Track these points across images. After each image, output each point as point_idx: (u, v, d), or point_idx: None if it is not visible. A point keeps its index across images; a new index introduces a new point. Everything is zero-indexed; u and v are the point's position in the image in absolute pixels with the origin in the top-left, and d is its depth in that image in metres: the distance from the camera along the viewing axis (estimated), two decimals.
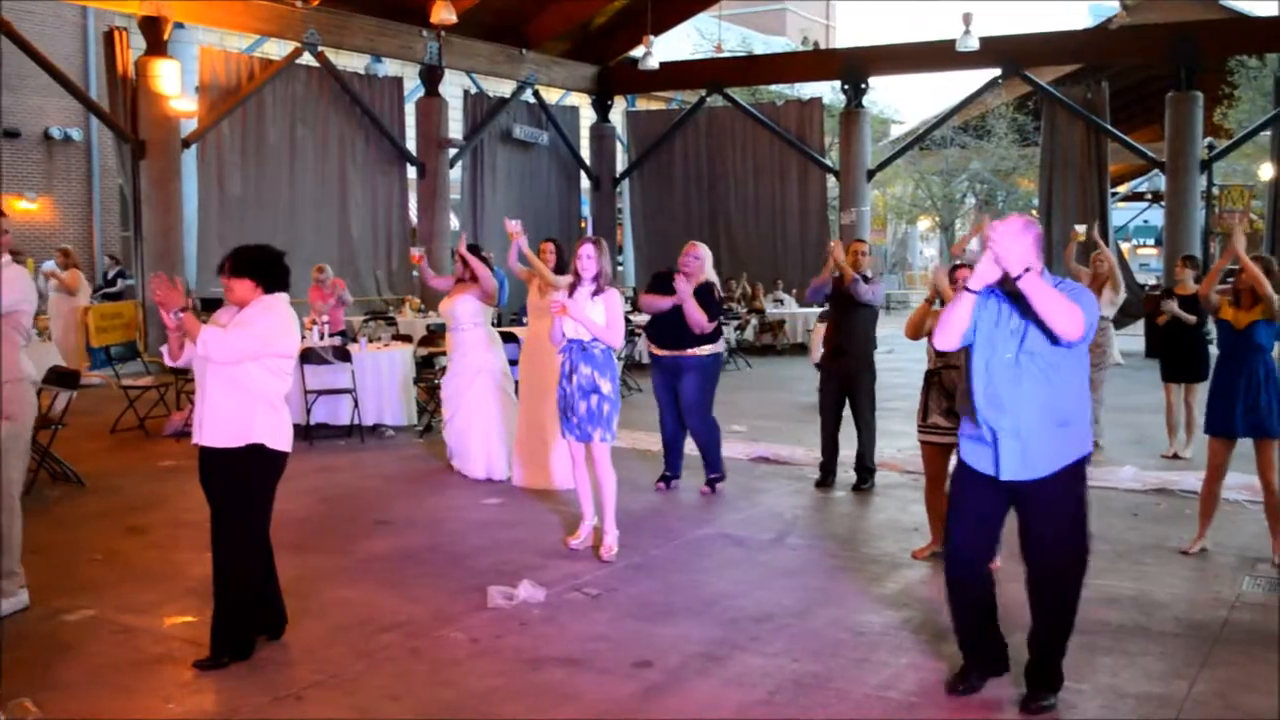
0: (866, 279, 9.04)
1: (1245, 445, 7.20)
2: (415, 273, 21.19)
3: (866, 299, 9.03)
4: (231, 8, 17.16)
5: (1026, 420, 4.67)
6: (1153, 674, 5.28)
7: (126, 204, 20.11)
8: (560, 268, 9.23)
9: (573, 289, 7.29)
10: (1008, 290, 4.67)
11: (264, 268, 5.34)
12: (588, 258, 7.25)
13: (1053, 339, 4.59)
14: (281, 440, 5.37)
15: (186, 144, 17.02)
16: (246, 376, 5.23)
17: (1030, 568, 4.87)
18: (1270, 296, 6.94)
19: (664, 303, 8.96)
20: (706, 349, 9.04)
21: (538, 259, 9.19)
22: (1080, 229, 11.17)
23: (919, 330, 7.02)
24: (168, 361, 5.54)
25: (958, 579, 4.97)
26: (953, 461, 5.78)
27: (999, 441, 4.71)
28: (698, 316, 8.80)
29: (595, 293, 7.20)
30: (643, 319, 17.33)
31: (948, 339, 4.80)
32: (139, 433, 11.79)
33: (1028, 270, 4.48)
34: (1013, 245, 4.46)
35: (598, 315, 7.17)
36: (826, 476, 9.44)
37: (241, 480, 5.30)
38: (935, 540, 7.17)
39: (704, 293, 8.90)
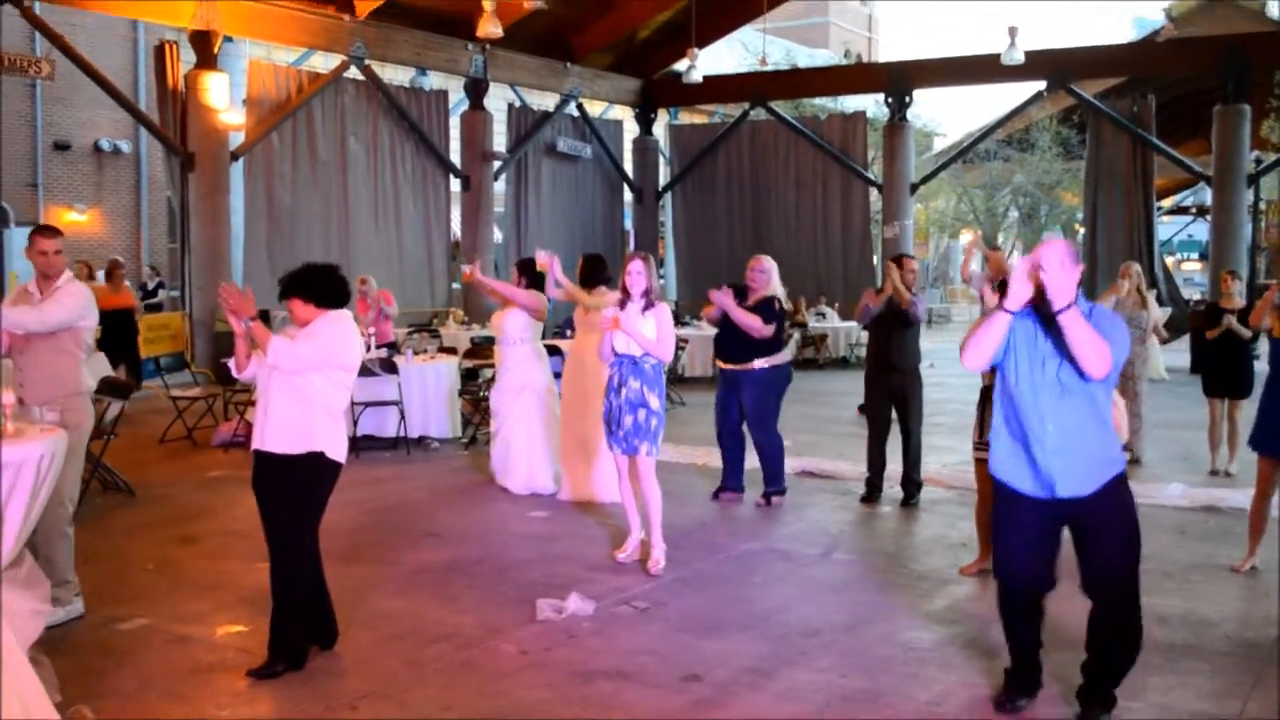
0: (914, 296, 9.06)
1: None
2: (456, 284, 21.37)
3: (918, 317, 9.08)
4: (280, 21, 17.35)
5: (1073, 436, 4.66)
6: (1204, 693, 5.26)
7: (174, 216, 20.39)
8: (597, 281, 9.27)
9: (623, 303, 7.33)
10: (1040, 312, 4.65)
11: (312, 285, 5.49)
12: (637, 273, 7.30)
13: (1079, 372, 4.59)
14: (339, 451, 5.48)
15: (235, 156, 17.20)
16: (310, 386, 5.37)
17: (1091, 588, 4.81)
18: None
19: (713, 312, 9.07)
20: (763, 362, 9.09)
21: (572, 284, 9.23)
22: (1134, 266, 11.12)
23: None
24: (234, 373, 5.67)
25: (1014, 601, 4.95)
26: None
27: (1048, 459, 4.69)
28: (749, 321, 8.87)
29: (645, 307, 7.25)
30: (690, 333, 17.45)
31: (980, 358, 4.76)
32: (187, 443, 11.93)
33: (1071, 305, 4.49)
34: (1062, 278, 4.45)
35: (648, 330, 7.21)
36: (873, 491, 9.43)
37: (299, 487, 5.41)
38: (984, 557, 7.14)
39: (765, 305, 8.98)
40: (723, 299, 8.96)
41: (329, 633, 5.72)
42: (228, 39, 17.15)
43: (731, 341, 9.12)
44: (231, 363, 5.72)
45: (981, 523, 7.28)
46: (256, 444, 5.48)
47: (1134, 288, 10.81)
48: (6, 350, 6.14)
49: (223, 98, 16.73)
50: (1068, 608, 5.24)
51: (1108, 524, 4.73)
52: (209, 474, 10.42)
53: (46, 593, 4.62)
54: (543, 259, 9.25)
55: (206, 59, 16.62)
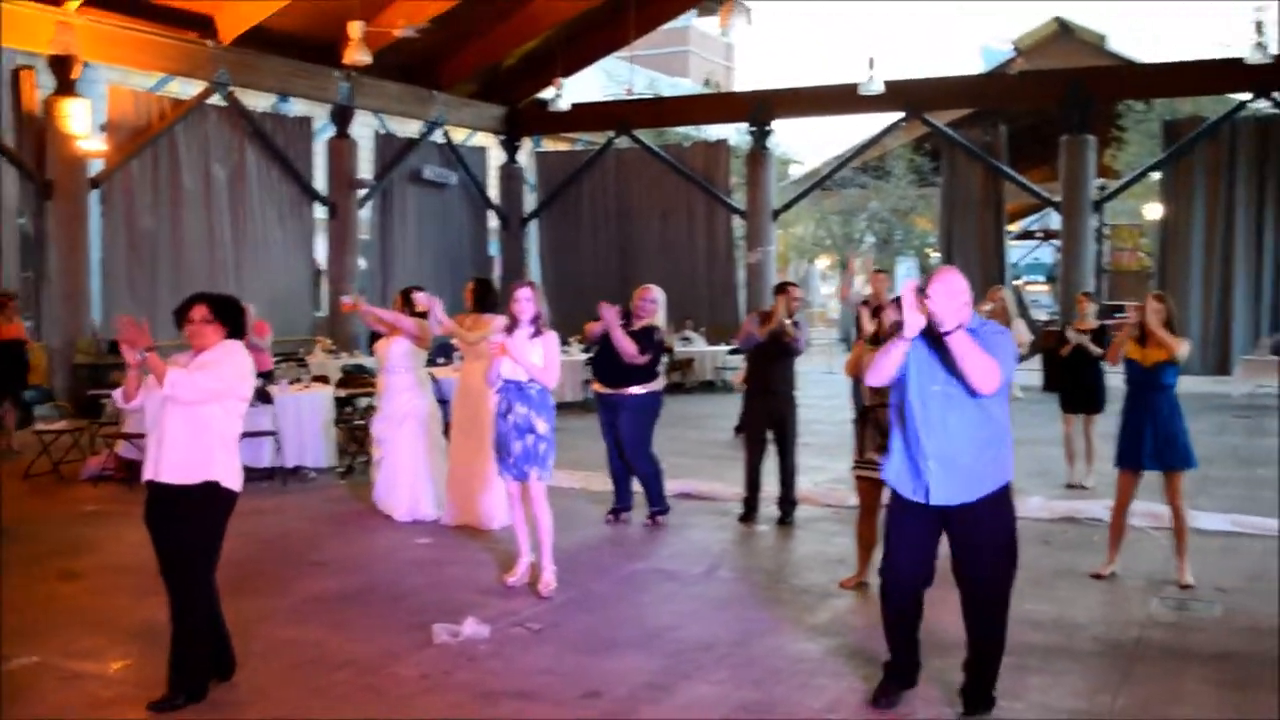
0: (796, 323, 9.36)
1: (1148, 475, 7.59)
2: (320, 313, 21.18)
3: (802, 349, 9.40)
4: (142, 47, 17.08)
5: (955, 447, 4.97)
6: (1079, 691, 5.58)
7: (28, 244, 19.83)
8: (486, 306, 9.41)
9: (510, 329, 7.45)
10: (930, 332, 4.96)
11: (233, 316, 5.54)
12: (525, 300, 7.43)
13: (969, 388, 4.91)
14: (235, 480, 5.49)
15: (95, 184, 16.84)
16: (206, 416, 5.37)
17: (964, 591, 5.16)
18: (1176, 352, 7.34)
19: (595, 329, 9.23)
20: (642, 388, 9.32)
21: (451, 323, 9.32)
22: (1001, 291, 11.57)
23: (860, 369, 7.29)
24: (120, 403, 5.63)
25: (896, 599, 5.25)
26: (886, 494, 6.04)
27: (928, 468, 5.00)
28: (625, 345, 9.06)
29: (534, 334, 7.37)
30: (568, 359, 17.56)
31: (881, 378, 5.13)
32: (53, 477, 11.65)
33: (959, 327, 4.80)
34: (948, 304, 4.77)
35: (536, 356, 7.34)
36: (750, 510, 9.67)
37: (196, 517, 5.39)
38: (862, 571, 7.44)
39: (646, 334, 9.19)
40: (610, 317, 9.13)
41: (227, 664, 5.71)
42: (86, 64, 16.80)
43: (609, 366, 9.30)
44: (119, 393, 5.68)
45: (861, 536, 7.56)
46: (150, 475, 5.44)
47: (1000, 311, 11.26)
48: None
49: (83, 124, 16.39)
50: (945, 612, 5.53)
51: (982, 533, 5.04)
52: (82, 509, 10.21)
53: None
54: (422, 301, 9.32)
55: (65, 84, 16.29)
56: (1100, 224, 25.23)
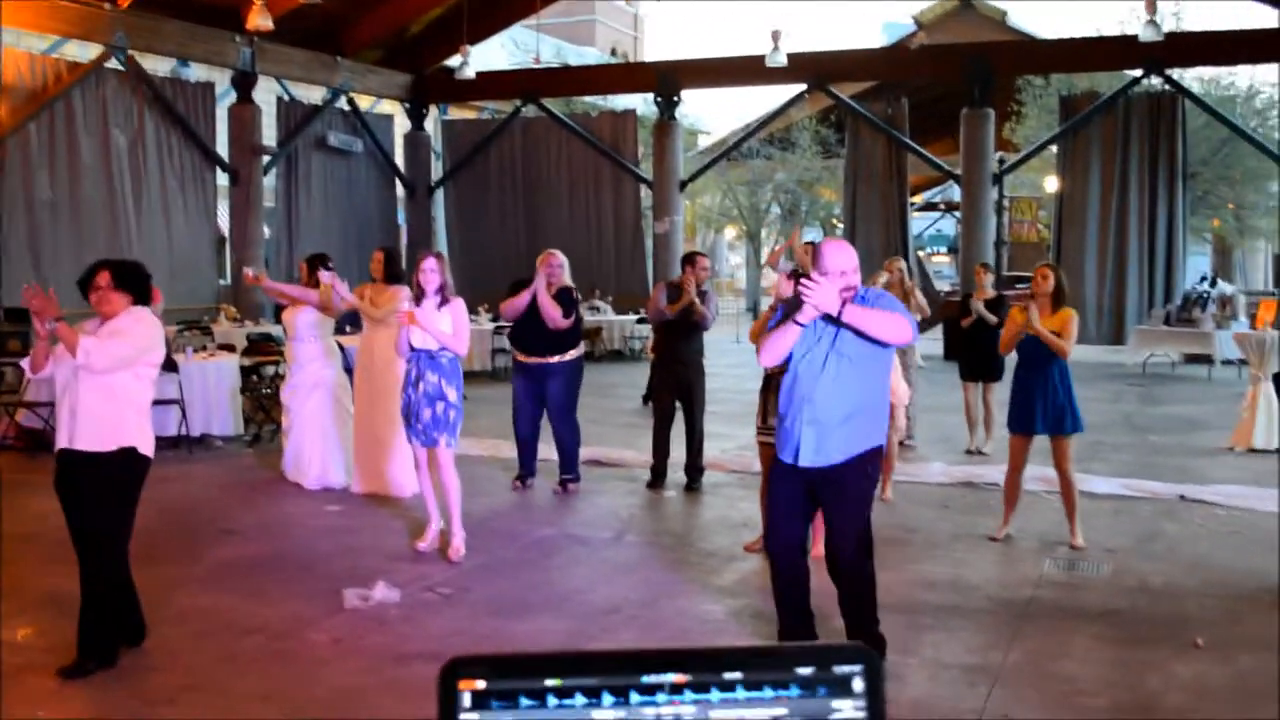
0: (704, 294, 9.49)
1: (1040, 441, 7.86)
2: (225, 281, 20.97)
3: (710, 324, 9.53)
4: (38, 9, 16.67)
5: (825, 411, 5.14)
6: (971, 647, 5.81)
7: None
8: (393, 277, 9.41)
9: (418, 299, 7.49)
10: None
11: (137, 281, 5.51)
12: (431, 270, 7.48)
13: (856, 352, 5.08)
14: (148, 446, 5.53)
15: None
16: (118, 383, 5.38)
17: (829, 547, 5.36)
18: (1066, 354, 7.61)
19: (523, 297, 9.26)
20: (571, 354, 9.46)
21: (352, 297, 9.31)
22: (898, 261, 11.77)
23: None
24: (29, 373, 5.60)
25: (782, 563, 5.43)
26: None
27: (802, 430, 5.17)
28: (553, 312, 9.16)
29: (441, 304, 7.43)
30: (476, 328, 17.56)
31: (773, 359, 5.32)
32: None
33: (845, 305, 4.96)
34: (827, 294, 4.89)
35: (444, 325, 7.40)
36: (658, 477, 9.83)
37: (112, 484, 5.41)
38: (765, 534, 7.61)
39: (564, 296, 9.29)
40: (539, 283, 9.19)
41: (137, 630, 5.72)
42: None
43: (535, 334, 9.37)
44: (27, 362, 5.65)
45: (764, 502, 7.72)
46: (63, 443, 5.44)
47: (897, 281, 11.50)
48: None
49: None
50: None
51: (843, 493, 5.23)
52: None
53: None
54: (325, 279, 9.32)
55: None
56: (1000, 196, 25.76)
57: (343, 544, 7.86)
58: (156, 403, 10.95)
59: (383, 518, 8.63)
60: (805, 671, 1.16)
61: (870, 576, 5.42)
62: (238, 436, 11.98)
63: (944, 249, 49.02)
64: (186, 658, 5.60)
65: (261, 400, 12.53)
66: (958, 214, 27.40)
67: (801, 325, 5.08)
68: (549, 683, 1.16)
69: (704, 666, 1.16)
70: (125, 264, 5.62)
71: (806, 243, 8.63)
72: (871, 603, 5.42)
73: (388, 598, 6.46)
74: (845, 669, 1.17)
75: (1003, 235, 25.89)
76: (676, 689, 1.15)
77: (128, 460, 5.41)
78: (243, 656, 5.62)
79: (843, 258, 5.13)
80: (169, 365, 10.94)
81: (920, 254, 43.42)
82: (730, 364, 17.38)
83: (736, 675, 1.16)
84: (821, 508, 5.38)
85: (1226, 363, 18.11)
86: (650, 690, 1.15)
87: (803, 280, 4.94)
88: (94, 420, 5.35)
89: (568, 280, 9.53)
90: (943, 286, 29.33)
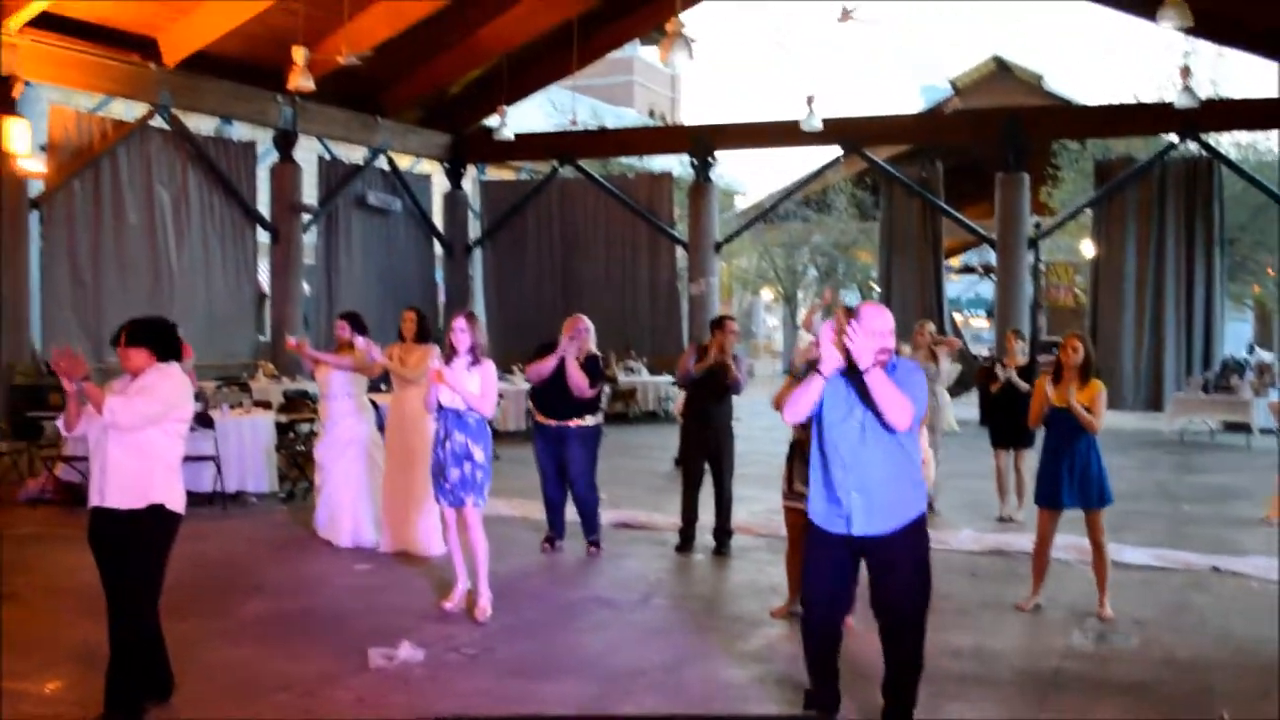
0: (735, 358, 9.55)
1: (1071, 510, 7.82)
2: (264, 337, 21.20)
3: (742, 388, 9.58)
4: (86, 68, 17.05)
5: (869, 477, 5.16)
6: (993, 717, 5.76)
7: None
8: (422, 336, 9.54)
9: (449, 359, 7.58)
10: (848, 367, 5.17)
11: (159, 338, 5.62)
12: (461, 330, 7.57)
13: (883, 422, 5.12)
14: (178, 502, 5.59)
15: (35, 204, 16.76)
16: (147, 440, 5.46)
17: (882, 619, 5.35)
18: (1094, 425, 7.60)
19: (549, 362, 9.31)
20: (590, 420, 9.54)
21: (386, 360, 9.50)
22: (927, 326, 11.85)
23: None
24: (64, 431, 5.70)
25: (819, 631, 5.42)
26: None
27: (848, 500, 5.18)
28: (580, 381, 9.22)
29: (472, 364, 7.51)
30: (504, 387, 17.66)
31: (797, 415, 5.36)
32: None
33: (878, 364, 5.03)
34: (867, 344, 4.96)
35: (473, 385, 7.47)
36: (687, 540, 9.83)
37: (142, 540, 5.48)
38: (793, 599, 7.59)
39: (592, 365, 9.38)
40: (569, 351, 9.26)
41: (165, 685, 5.78)
42: (28, 84, 16.74)
43: (557, 398, 9.44)
44: (61, 421, 5.75)
45: (791, 567, 7.72)
46: (95, 501, 5.53)
47: (925, 344, 11.55)
48: None
49: (24, 144, 16.31)
50: (868, 640, 5.71)
51: (899, 562, 5.24)
52: (18, 531, 10.19)
53: None
54: (360, 344, 9.54)
55: (6, 104, 16.20)
56: (1036, 261, 25.72)
57: (371, 602, 7.90)
58: (192, 459, 11.16)
59: (411, 576, 8.68)
60: None
61: (921, 655, 5.40)
62: (272, 493, 12.07)
63: (983, 312, 48.84)
64: (212, 712, 5.65)
65: (296, 457, 12.64)
66: (995, 277, 27.37)
67: (824, 376, 5.12)
68: None
69: None
70: (145, 321, 5.72)
71: (844, 307, 8.69)
72: (916, 683, 5.41)
73: (412, 657, 6.50)
74: None
75: (1039, 300, 25.82)
76: None
77: (157, 517, 5.48)
78: (268, 713, 5.66)
79: (880, 321, 5.19)
80: (204, 421, 11.10)
81: (959, 316, 43.44)
82: (764, 426, 17.30)
83: None
84: (874, 577, 5.37)
85: (1265, 431, 17.93)
86: None
87: (849, 325, 5.00)
88: (123, 477, 5.43)
89: (593, 347, 9.60)
90: (981, 350, 29.23)
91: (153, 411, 5.45)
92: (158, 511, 5.48)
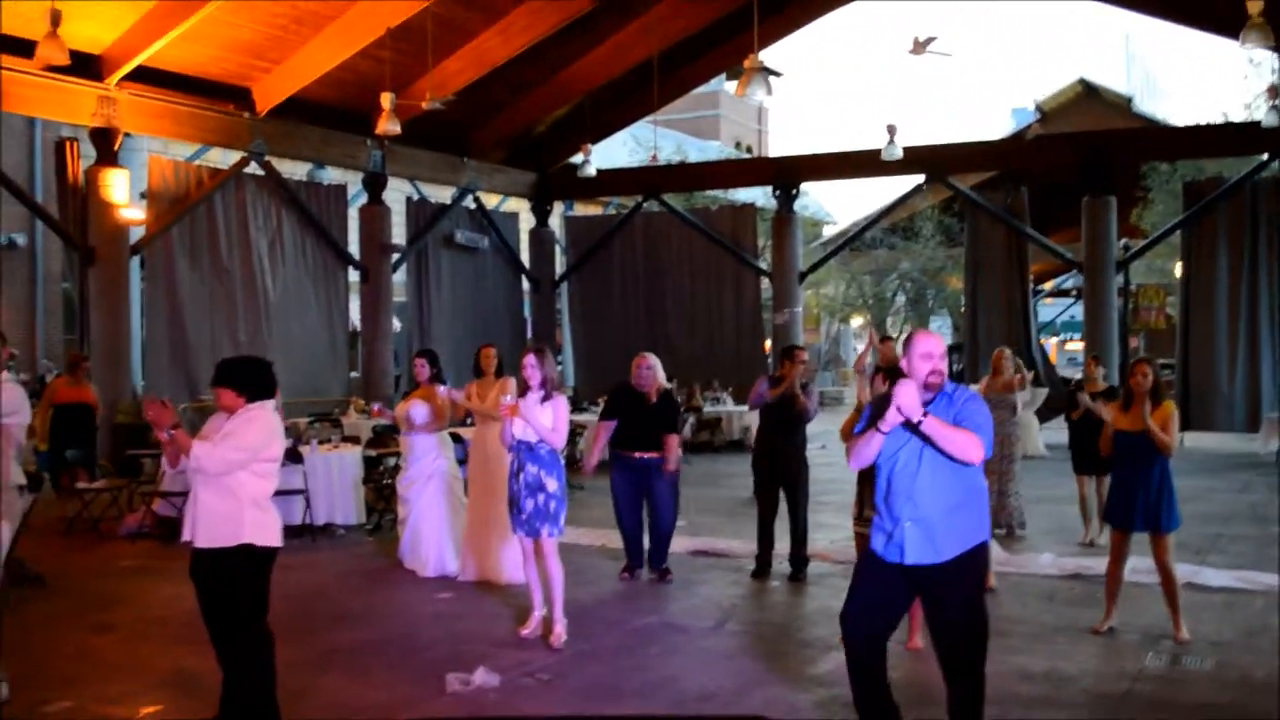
0: (805, 387, 9.69)
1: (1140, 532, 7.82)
2: (355, 373, 21.68)
3: (812, 416, 9.72)
4: (181, 119, 17.67)
5: (927, 508, 5.22)
6: None
7: (71, 308, 20.46)
8: (501, 371, 9.85)
9: (523, 393, 7.80)
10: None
11: (242, 378, 5.82)
12: (531, 367, 7.78)
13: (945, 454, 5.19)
14: (270, 537, 5.77)
15: (135, 251, 17.37)
16: (235, 481, 5.65)
17: (940, 645, 5.39)
18: (1170, 446, 7.62)
19: (601, 439, 10.07)
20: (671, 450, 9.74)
21: (461, 398, 9.93)
22: (1005, 353, 11.91)
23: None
24: (166, 468, 5.96)
25: (853, 650, 5.45)
26: None
27: (903, 530, 5.25)
28: (672, 452, 9.71)
29: (545, 398, 7.71)
30: (587, 419, 17.88)
31: (859, 463, 5.48)
32: (93, 535, 12.05)
33: (929, 402, 5.15)
34: (912, 399, 5.06)
35: (546, 418, 7.67)
36: (763, 568, 9.94)
37: (234, 579, 5.66)
38: None
39: (666, 397, 9.58)
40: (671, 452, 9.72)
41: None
42: (127, 135, 17.39)
43: (639, 430, 9.65)
44: (165, 461, 6.01)
45: None
46: (187, 537, 5.77)
47: (1008, 370, 11.56)
48: None
49: (123, 193, 16.94)
50: (932, 667, 5.76)
51: (952, 589, 5.27)
52: (119, 564, 10.60)
53: None
54: (442, 393, 9.94)
55: (107, 155, 16.84)
56: (1126, 284, 25.41)
57: (450, 629, 8.12)
58: (282, 493, 11.51)
59: (490, 604, 8.89)
60: None
61: (982, 678, 5.41)
62: (360, 525, 12.40)
63: (1078, 336, 48.20)
64: None
65: (383, 490, 12.95)
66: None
67: (884, 434, 5.22)
68: None
69: None
70: (234, 361, 5.95)
71: (884, 338, 8.79)
72: (980, 706, 5.43)
73: (487, 682, 6.69)
74: None
75: (1129, 323, 25.48)
76: None
77: (247, 555, 5.65)
78: None
79: (930, 344, 5.27)
80: (294, 457, 11.44)
81: (1053, 341, 42.91)
82: (843, 453, 17.36)
83: None
84: (928, 607, 5.42)
85: None
86: None
87: (899, 382, 5.10)
88: (212, 518, 5.64)
89: (662, 380, 9.80)
90: (1076, 374, 28.87)
91: (237, 457, 5.63)
92: (248, 550, 5.65)
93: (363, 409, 18.41)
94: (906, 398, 5.03)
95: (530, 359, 7.79)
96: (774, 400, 9.70)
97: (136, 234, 17.44)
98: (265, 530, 5.76)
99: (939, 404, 5.22)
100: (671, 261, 24.87)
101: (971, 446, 5.11)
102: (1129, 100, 29.64)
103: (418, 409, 9.90)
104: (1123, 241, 23.51)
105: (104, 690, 6.70)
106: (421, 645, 7.70)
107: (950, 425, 5.12)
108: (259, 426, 5.74)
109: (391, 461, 13.55)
